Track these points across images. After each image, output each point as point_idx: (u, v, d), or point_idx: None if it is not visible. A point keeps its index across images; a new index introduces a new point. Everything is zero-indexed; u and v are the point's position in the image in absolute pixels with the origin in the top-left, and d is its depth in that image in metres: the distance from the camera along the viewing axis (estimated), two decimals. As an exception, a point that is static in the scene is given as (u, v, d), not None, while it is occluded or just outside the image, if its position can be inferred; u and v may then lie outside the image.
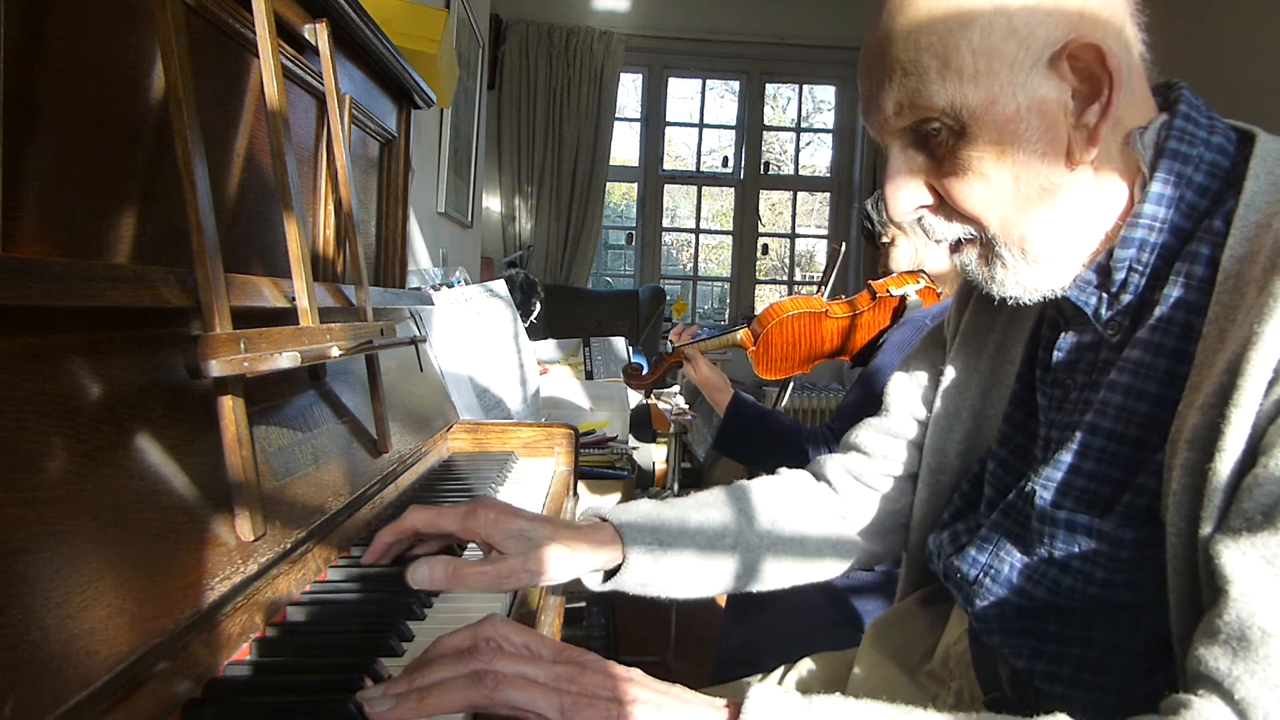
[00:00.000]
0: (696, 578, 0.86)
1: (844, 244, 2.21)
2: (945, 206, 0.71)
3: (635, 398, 2.68)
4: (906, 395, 0.94)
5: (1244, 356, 0.56)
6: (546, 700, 0.55)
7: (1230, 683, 0.52)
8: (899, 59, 0.67)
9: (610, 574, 0.83)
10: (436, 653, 0.58)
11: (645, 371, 1.83)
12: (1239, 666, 0.52)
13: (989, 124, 0.66)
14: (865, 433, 0.96)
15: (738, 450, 1.69)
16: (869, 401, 1.52)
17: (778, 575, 0.91)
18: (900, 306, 1.63)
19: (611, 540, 0.82)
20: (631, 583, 0.84)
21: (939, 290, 1.63)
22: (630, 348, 3.12)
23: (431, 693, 0.54)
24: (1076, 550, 0.68)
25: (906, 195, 0.71)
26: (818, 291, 1.84)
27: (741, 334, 1.69)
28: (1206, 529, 0.57)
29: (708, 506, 0.90)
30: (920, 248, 1.65)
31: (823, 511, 0.94)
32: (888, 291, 1.61)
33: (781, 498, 0.94)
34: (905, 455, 0.93)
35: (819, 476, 0.97)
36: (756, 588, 0.91)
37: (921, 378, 0.93)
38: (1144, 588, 0.65)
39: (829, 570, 0.93)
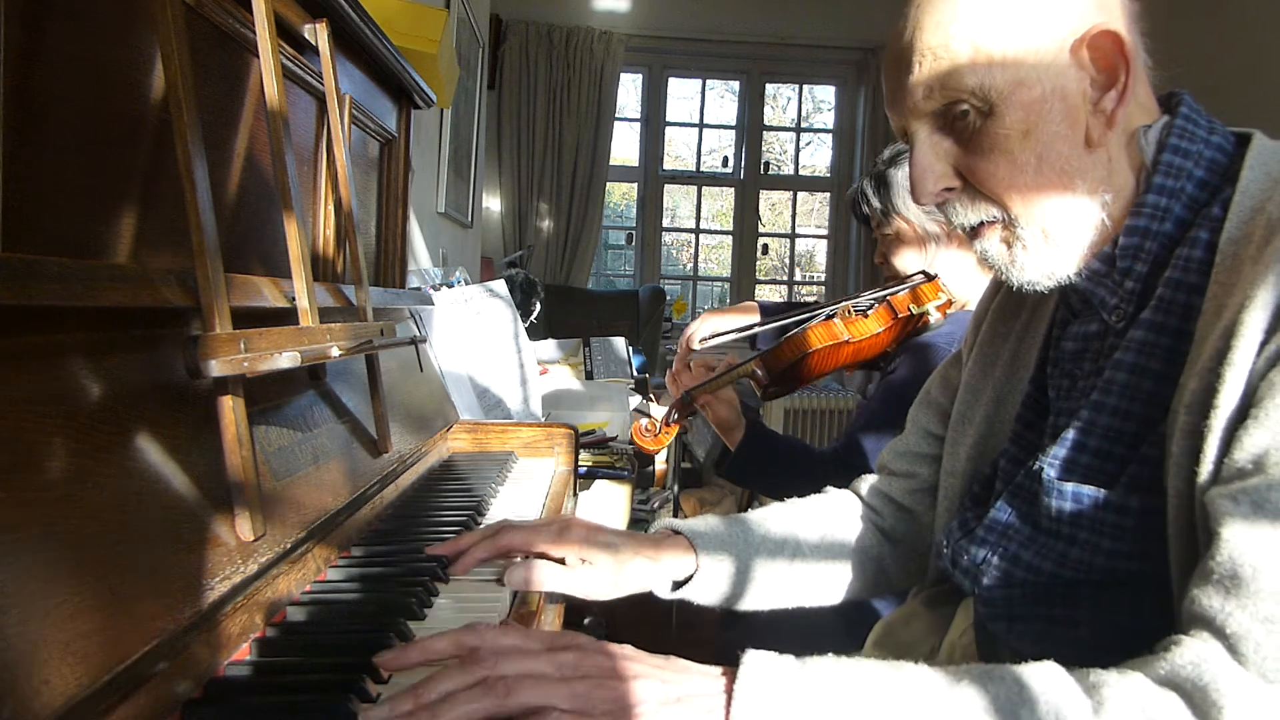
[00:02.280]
0: (758, 588, 0.90)
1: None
2: (970, 188, 0.74)
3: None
4: (925, 413, 0.99)
5: (1238, 319, 0.60)
6: (558, 693, 0.54)
7: (1223, 619, 0.54)
8: (930, 44, 0.71)
9: (678, 584, 0.88)
10: (421, 655, 0.57)
11: (659, 428, 1.65)
12: (1230, 603, 0.54)
13: (1016, 105, 0.70)
14: (889, 453, 1.02)
15: (742, 479, 1.70)
16: (879, 427, 1.49)
17: (830, 589, 0.95)
18: (921, 326, 1.59)
19: (685, 551, 0.87)
20: (699, 590, 0.88)
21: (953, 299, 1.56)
22: (630, 348, 3.11)
23: (442, 709, 0.52)
24: (1083, 520, 0.70)
25: (933, 177, 0.75)
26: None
27: (757, 370, 1.60)
28: (1203, 483, 0.59)
29: (767, 521, 0.94)
30: (929, 250, 1.58)
31: (867, 529, 0.98)
32: (909, 310, 1.56)
33: (830, 515, 0.98)
34: (926, 470, 0.97)
35: (859, 496, 1.02)
36: (811, 601, 0.94)
37: (939, 396, 0.98)
38: (1149, 558, 0.66)
39: (875, 586, 0.98)
